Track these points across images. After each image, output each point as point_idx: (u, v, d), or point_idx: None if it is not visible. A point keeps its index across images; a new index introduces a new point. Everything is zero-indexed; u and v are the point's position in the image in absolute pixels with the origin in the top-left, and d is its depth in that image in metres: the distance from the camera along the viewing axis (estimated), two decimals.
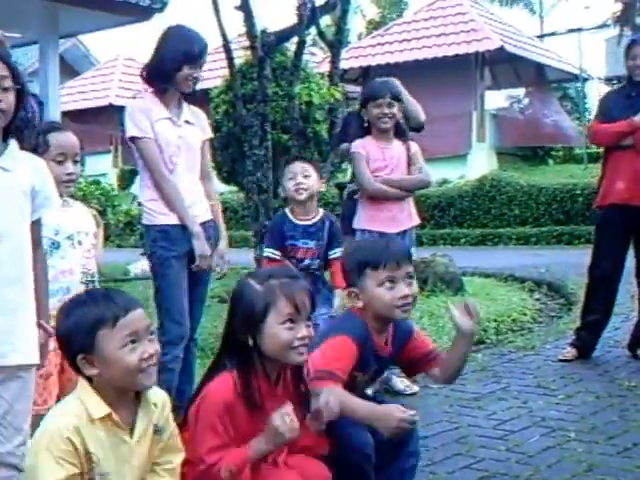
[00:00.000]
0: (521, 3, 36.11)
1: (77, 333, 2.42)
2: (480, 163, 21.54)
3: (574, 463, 3.85)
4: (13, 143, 2.72)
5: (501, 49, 22.00)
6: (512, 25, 26.09)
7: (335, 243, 4.66)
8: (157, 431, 2.54)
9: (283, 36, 9.38)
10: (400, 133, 5.16)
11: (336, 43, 9.34)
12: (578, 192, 16.31)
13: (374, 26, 32.36)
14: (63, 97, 16.35)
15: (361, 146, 5.13)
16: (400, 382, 5.20)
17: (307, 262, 4.60)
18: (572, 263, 10.87)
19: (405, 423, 2.77)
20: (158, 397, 2.57)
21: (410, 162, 5.16)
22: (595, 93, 29.72)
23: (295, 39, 9.19)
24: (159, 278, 4.32)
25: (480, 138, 22.68)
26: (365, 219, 5.13)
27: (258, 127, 7.90)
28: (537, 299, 8.91)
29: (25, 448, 2.60)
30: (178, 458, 2.61)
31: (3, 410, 2.63)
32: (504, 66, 24.03)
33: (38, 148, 3.37)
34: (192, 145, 4.38)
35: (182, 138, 4.33)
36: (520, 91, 28.05)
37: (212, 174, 4.57)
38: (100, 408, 2.42)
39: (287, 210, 4.71)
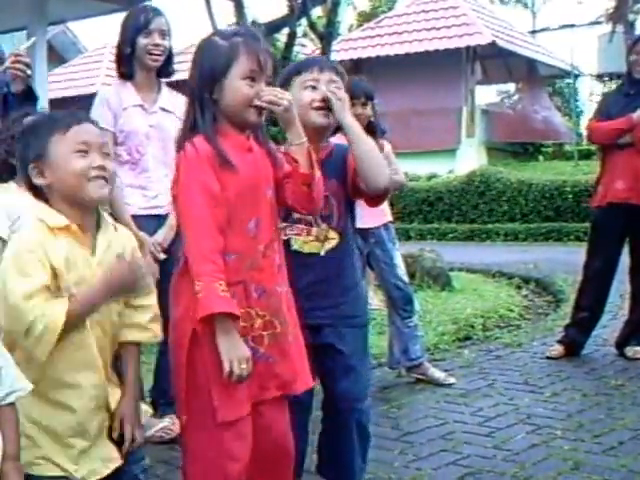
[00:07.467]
0: None
1: (31, 138, 2.51)
2: (469, 158, 21.52)
3: (560, 461, 3.83)
4: None
5: (493, 44, 21.96)
6: (504, 20, 26.08)
7: None
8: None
9: (273, 27, 9.37)
10: (372, 131, 5.16)
11: (327, 35, 9.33)
12: (568, 189, 16.29)
13: (365, 18, 32.25)
14: (50, 84, 16.24)
15: None
16: (437, 372, 5.29)
17: None
18: (561, 260, 10.91)
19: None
20: (121, 229, 2.62)
21: None
22: (586, 90, 29.84)
23: (286, 30, 9.17)
24: None
25: (470, 133, 22.66)
26: None
27: None
28: (525, 296, 8.90)
29: None
30: (150, 298, 2.65)
31: None
32: (495, 61, 24.01)
33: (16, 135, 3.33)
34: (166, 134, 4.20)
35: (154, 127, 4.21)
36: (511, 86, 28.08)
37: None
38: (57, 218, 2.43)
39: None
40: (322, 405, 3.15)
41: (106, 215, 2.59)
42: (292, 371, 2.69)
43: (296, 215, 2.98)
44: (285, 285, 2.72)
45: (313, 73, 3.02)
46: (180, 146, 2.61)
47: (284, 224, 2.98)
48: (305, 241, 3.03)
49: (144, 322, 2.63)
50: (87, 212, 2.50)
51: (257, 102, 2.58)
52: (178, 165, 2.58)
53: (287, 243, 2.97)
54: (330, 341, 3.05)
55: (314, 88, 3.00)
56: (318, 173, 2.72)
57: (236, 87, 2.58)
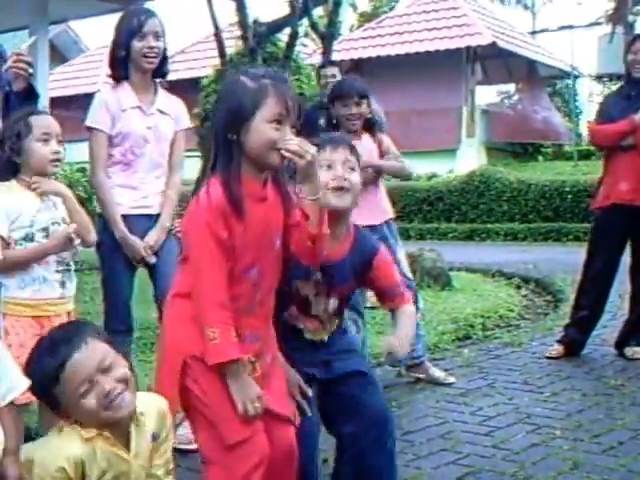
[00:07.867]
0: None
1: (39, 392, 2.42)
2: (469, 158, 21.56)
3: (559, 461, 3.83)
4: None
5: (493, 44, 22.02)
6: (504, 21, 26.14)
7: None
8: (155, 439, 2.54)
9: (275, 27, 9.37)
10: (369, 128, 5.14)
11: (328, 35, 9.34)
12: (567, 189, 16.31)
13: (366, 18, 32.28)
14: (51, 83, 16.27)
15: None
16: (437, 371, 5.31)
17: None
18: (560, 260, 10.92)
19: None
20: (152, 405, 2.54)
21: (384, 155, 5.12)
22: (586, 91, 29.86)
23: (287, 30, 9.18)
24: (106, 268, 4.24)
25: (470, 133, 22.70)
26: None
27: None
28: (524, 295, 8.91)
29: None
30: (164, 465, 2.59)
31: None
32: (495, 61, 24.07)
33: (21, 133, 3.37)
34: (163, 135, 4.22)
35: (152, 128, 4.18)
36: (511, 87, 28.11)
37: (183, 165, 4.34)
38: (90, 430, 2.39)
39: None
40: (341, 445, 3.10)
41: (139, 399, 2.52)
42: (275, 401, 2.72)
43: (313, 312, 3.02)
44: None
45: (326, 152, 2.97)
46: (198, 187, 2.60)
47: (302, 315, 3.02)
48: (316, 332, 3.07)
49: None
50: (120, 421, 2.45)
51: (282, 149, 2.54)
52: (191, 208, 2.58)
53: (300, 332, 3.03)
54: (344, 371, 3.07)
55: (329, 167, 2.95)
56: (326, 230, 2.71)
57: (262, 130, 2.54)
